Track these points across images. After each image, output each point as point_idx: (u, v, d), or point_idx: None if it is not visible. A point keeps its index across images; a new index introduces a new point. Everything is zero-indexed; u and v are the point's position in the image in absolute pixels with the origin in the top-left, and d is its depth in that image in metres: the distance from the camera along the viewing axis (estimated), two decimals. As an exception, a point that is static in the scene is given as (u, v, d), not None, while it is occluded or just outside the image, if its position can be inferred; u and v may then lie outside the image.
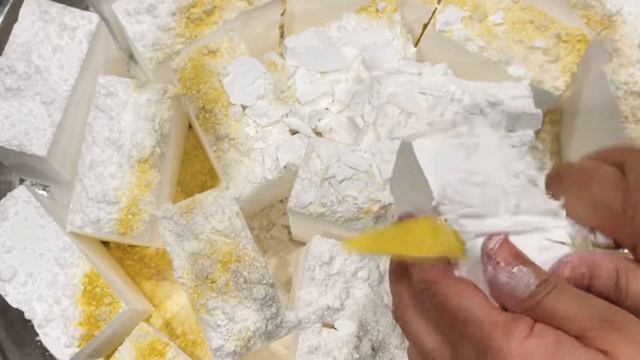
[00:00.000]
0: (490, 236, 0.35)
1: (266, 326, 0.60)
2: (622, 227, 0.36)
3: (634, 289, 0.34)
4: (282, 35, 0.81)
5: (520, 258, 0.34)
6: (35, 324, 0.63)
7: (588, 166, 0.38)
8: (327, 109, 0.68)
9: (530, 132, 0.65)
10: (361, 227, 0.62)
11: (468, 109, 0.65)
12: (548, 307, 0.33)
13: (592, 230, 0.37)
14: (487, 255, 0.34)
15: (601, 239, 0.37)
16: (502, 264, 0.33)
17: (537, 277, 0.33)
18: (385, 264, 0.65)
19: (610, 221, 0.36)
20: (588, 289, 0.34)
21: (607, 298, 0.34)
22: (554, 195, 0.38)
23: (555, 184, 0.38)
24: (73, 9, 0.70)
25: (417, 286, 0.37)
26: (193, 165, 0.80)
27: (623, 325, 0.32)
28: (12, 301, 0.64)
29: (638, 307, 0.34)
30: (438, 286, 0.35)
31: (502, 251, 0.34)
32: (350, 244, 0.40)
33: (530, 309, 0.33)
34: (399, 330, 0.62)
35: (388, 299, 0.63)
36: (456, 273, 0.37)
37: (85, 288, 0.64)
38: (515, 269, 0.33)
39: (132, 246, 0.76)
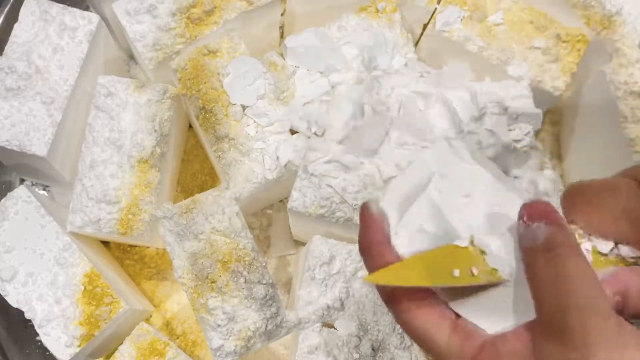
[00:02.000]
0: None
1: (266, 326, 0.60)
2: None
3: None
4: (282, 35, 0.81)
5: (546, 218, 0.34)
6: (36, 323, 0.64)
7: (611, 180, 0.38)
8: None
9: (530, 132, 0.66)
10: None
11: (468, 108, 0.65)
12: (539, 276, 0.33)
13: (616, 244, 0.36)
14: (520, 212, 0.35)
15: (626, 251, 0.36)
16: (525, 217, 0.34)
17: (547, 235, 0.33)
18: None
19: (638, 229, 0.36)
20: (621, 312, 0.34)
21: None
22: (570, 214, 0.37)
23: (576, 199, 0.37)
24: (73, 9, 0.70)
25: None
26: (193, 165, 0.80)
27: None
28: (13, 301, 0.64)
29: None
30: (397, 305, 0.37)
31: (530, 208, 0.34)
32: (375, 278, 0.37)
33: (527, 263, 0.34)
34: (398, 330, 0.62)
35: (388, 299, 0.63)
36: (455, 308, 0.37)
37: (85, 288, 0.64)
38: (533, 224, 0.34)
39: (132, 246, 0.76)
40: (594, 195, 0.37)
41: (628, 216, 0.36)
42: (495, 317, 0.36)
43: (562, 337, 0.31)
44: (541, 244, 0.33)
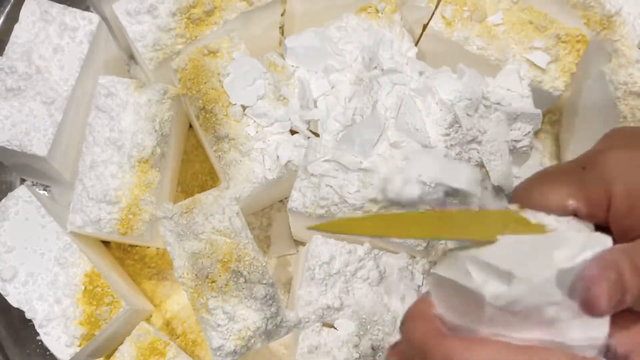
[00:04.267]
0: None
1: (266, 326, 0.60)
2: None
3: None
4: (282, 35, 0.82)
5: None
6: (36, 323, 0.64)
7: (562, 166, 0.41)
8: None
9: (530, 132, 0.66)
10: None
11: (467, 108, 0.65)
12: None
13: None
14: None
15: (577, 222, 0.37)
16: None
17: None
18: (384, 264, 0.65)
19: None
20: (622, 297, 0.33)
21: (637, 299, 0.33)
22: (528, 198, 0.39)
23: (532, 185, 0.40)
24: (73, 9, 0.70)
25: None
26: (193, 165, 0.80)
27: None
28: (13, 301, 0.64)
29: None
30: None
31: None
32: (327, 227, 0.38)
33: None
34: (398, 329, 0.62)
35: (387, 299, 0.64)
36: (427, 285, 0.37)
37: (85, 288, 0.64)
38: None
39: (132, 246, 0.76)
40: (548, 180, 0.40)
41: (577, 197, 0.37)
42: None
43: None
44: None
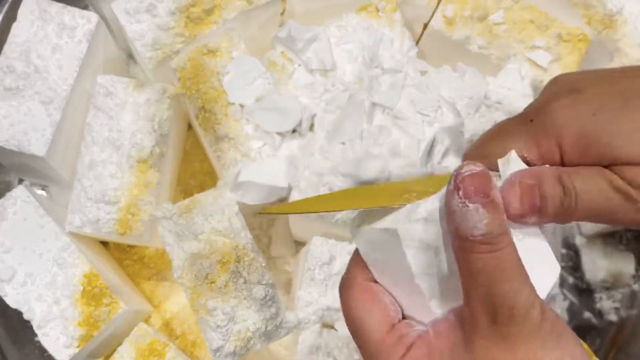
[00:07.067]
0: (467, 163, 0.33)
1: (266, 326, 0.60)
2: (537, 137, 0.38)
3: (582, 187, 0.36)
4: (282, 35, 0.81)
5: (483, 195, 0.32)
6: (34, 324, 0.63)
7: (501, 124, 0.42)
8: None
9: None
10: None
11: (468, 107, 0.65)
12: (474, 267, 0.32)
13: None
14: (453, 178, 0.32)
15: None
16: (460, 193, 0.32)
17: (487, 225, 0.31)
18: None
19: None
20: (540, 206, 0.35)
21: (559, 210, 0.35)
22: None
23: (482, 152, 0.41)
24: (72, 8, 0.70)
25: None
26: (193, 165, 0.80)
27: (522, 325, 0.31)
28: (11, 301, 0.64)
29: (591, 207, 0.36)
30: (345, 292, 0.38)
31: (469, 180, 0.32)
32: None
33: (462, 250, 0.32)
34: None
35: (388, 300, 0.63)
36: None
37: (84, 288, 0.64)
38: (471, 206, 0.31)
39: (131, 246, 0.76)
40: (499, 135, 0.40)
41: (528, 149, 0.38)
42: (426, 304, 0.35)
43: (490, 332, 0.32)
44: (480, 235, 0.31)
